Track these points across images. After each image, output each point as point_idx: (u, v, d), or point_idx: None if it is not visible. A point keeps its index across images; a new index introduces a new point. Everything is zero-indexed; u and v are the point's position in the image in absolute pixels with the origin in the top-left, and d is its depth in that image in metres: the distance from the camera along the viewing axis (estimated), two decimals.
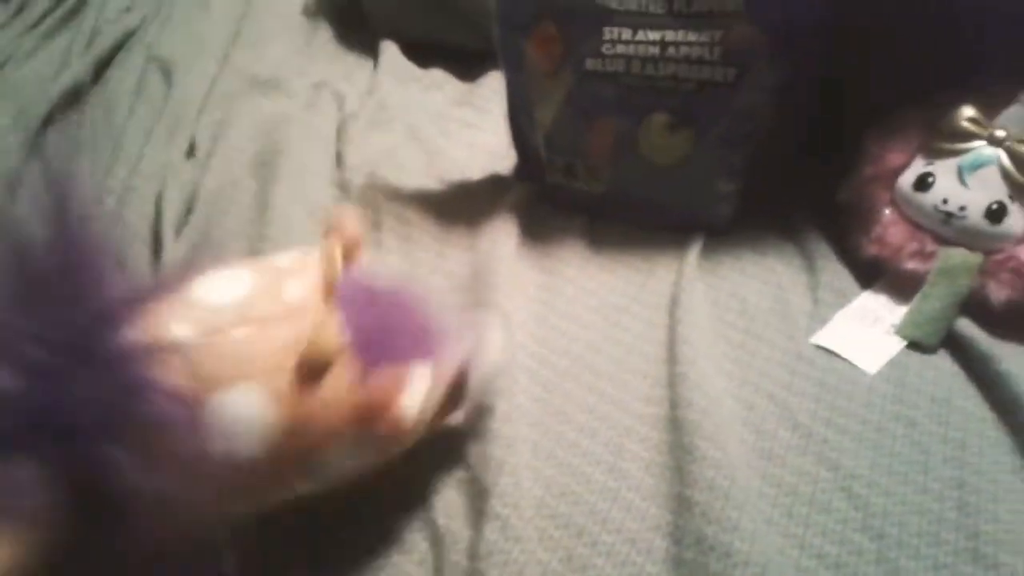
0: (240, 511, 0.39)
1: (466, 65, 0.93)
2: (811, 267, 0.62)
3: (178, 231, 0.68)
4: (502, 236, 0.65)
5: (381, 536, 0.45)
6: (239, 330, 0.37)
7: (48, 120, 0.83)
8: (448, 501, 0.46)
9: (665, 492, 0.46)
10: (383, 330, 0.41)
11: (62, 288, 0.33)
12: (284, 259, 0.42)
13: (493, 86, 0.88)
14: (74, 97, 0.88)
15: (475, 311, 0.57)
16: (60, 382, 0.31)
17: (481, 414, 0.49)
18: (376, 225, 0.68)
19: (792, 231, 0.65)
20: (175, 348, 0.34)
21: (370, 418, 0.38)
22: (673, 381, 0.52)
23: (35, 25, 1.04)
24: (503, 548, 0.42)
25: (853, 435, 0.48)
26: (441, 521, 0.45)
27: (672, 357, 0.53)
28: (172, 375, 0.33)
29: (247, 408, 0.36)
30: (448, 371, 0.44)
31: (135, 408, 0.33)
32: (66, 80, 0.88)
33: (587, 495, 0.46)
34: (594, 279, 0.62)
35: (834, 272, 0.61)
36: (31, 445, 0.31)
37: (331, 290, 0.40)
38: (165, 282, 0.37)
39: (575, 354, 0.55)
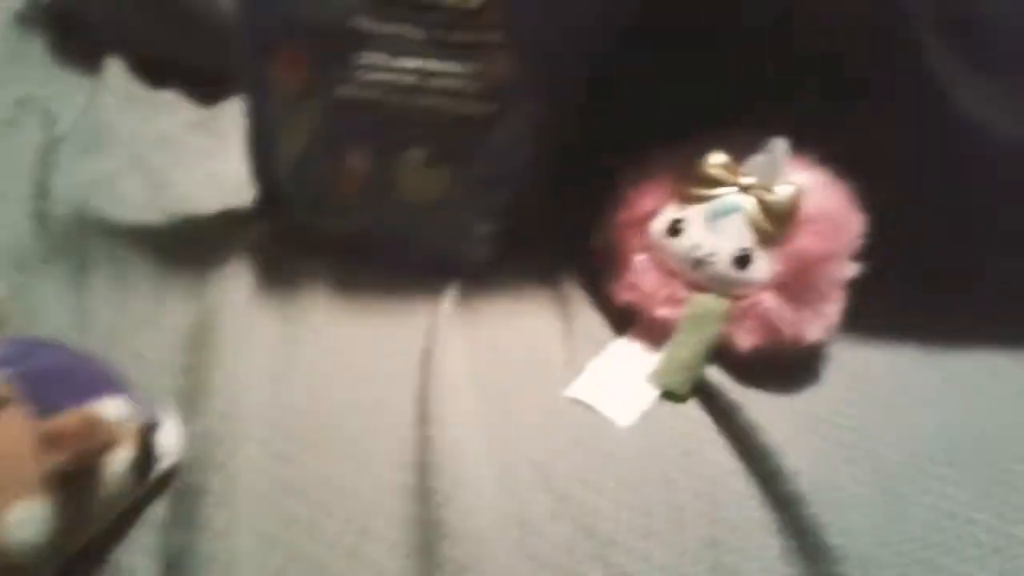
0: None
1: (206, 88, 0.84)
2: (567, 314, 0.60)
3: None
4: (235, 281, 0.57)
5: None
6: None
7: None
8: None
9: (418, 573, 0.41)
10: (49, 377, 0.39)
11: None
12: None
13: (236, 112, 0.79)
14: None
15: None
16: None
17: (189, 497, 0.41)
18: (81, 267, 0.58)
19: (550, 276, 0.63)
20: None
21: (62, 447, 0.35)
22: (423, 445, 0.47)
23: None
24: None
25: (609, 496, 0.46)
26: None
27: (423, 417, 0.48)
28: None
29: None
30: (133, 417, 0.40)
31: None
32: None
33: None
34: (342, 329, 0.56)
35: (589, 319, 0.59)
36: None
37: None
38: None
39: (317, 418, 0.49)
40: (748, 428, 0.49)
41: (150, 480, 0.42)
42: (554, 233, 0.65)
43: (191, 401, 0.48)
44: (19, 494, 0.34)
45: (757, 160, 0.56)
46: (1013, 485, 0.49)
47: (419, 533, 0.42)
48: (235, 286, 0.57)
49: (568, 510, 0.45)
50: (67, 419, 0.36)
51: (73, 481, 0.36)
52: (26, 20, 0.94)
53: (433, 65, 0.56)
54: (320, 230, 0.63)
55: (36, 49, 0.89)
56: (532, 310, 0.60)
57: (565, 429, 0.50)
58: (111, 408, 0.39)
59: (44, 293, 0.55)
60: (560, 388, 0.53)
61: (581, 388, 0.53)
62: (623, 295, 0.58)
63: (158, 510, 0.42)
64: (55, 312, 0.54)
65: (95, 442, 0.37)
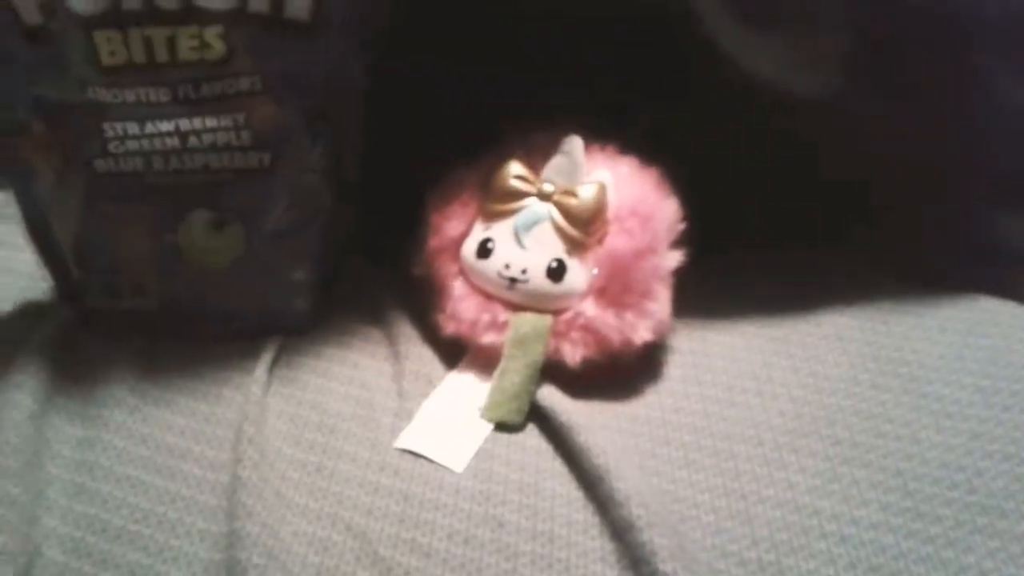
0: None
1: None
2: (397, 354, 0.56)
3: None
4: (26, 389, 0.52)
5: None
6: None
7: None
8: None
9: None
10: None
11: None
12: None
13: None
14: None
15: None
16: None
17: None
18: None
19: (378, 316, 0.60)
20: None
21: None
22: (232, 541, 0.43)
23: None
24: None
25: (438, 558, 0.42)
26: None
27: (232, 508, 0.44)
28: None
29: None
30: None
31: None
32: None
33: None
34: (149, 420, 0.52)
35: (419, 357, 0.56)
36: None
37: None
38: None
39: (115, 529, 0.44)
40: (581, 452, 0.47)
41: None
42: (377, 268, 0.62)
43: None
44: None
45: (555, 163, 0.54)
46: (860, 461, 0.47)
47: None
48: (25, 391, 0.51)
49: None
50: None
51: None
52: None
53: (190, 124, 0.51)
54: (120, 314, 0.58)
55: None
56: (360, 358, 0.56)
57: (393, 486, 0.47)
58: None
59: None
60: (391, 440, 0.50)
61: (411, 436, 0.50)
62: (446, 327, 0.55)
63: None
64: None
65: None
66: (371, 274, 0.62)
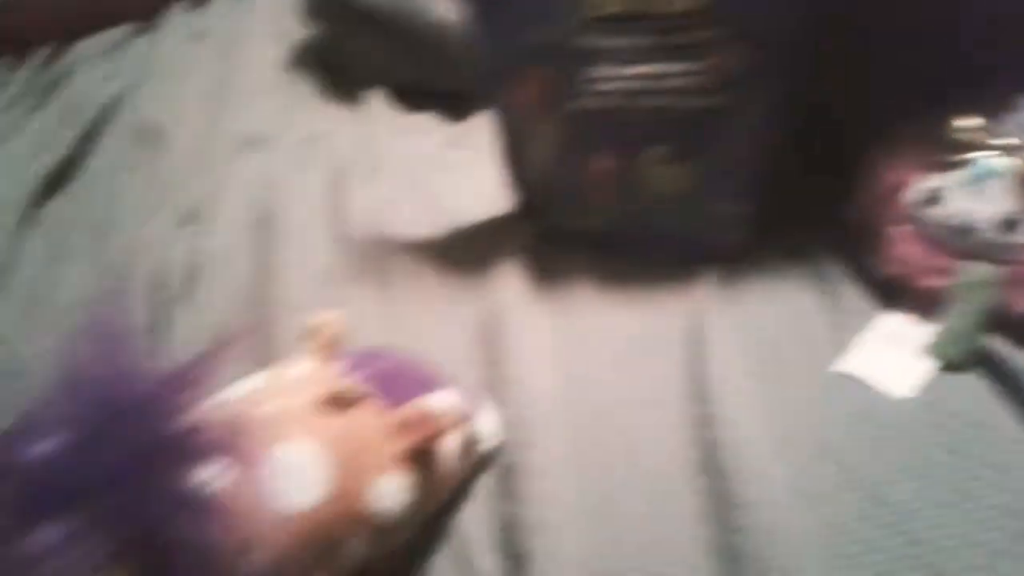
0: None
1: (453, 107, 0.92)
2: (828, 290, 0.61)
3: (179, 302, 0.66)
4: (511, 281, 0.64)
5: None
6: (265, 405, 0.41)
7: (35, 202, 0.82)
8: (489, 568, 0.45)
9: (711, 540, 0.45)
10: (393, 376, 0.46)
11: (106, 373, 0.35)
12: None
13: (484, 125, 0.87)
14: (59, 176, 0.87)
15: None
16: (113, 442, 0.32)
17: (510, 472, 0.48)
18: (385, 279, 0.67)
19: (805, 254, 0.65)
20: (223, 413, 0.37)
21: (409, 432, 0.42)
22: (705, 422, 0.50)
23: (7, 108, 1.03)
24: None
25: (896, 466, 0.47)
26: None
27: (700, 395, 0.52)
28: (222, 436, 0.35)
29: (298, 456, 0.39)
30: (460, 407, 0.47)
31: (188, 460, 0.34)
32: (47, 160, 0.86)
33: (630, 549, 0.45)
34: (609, 318, 0.61)
35: (852, 295, 0.60)
36: (83, 502, 0.31)
37: (330, 357, 0.45)
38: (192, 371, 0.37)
39: (600, 398, 0.54)
40: None
41: (476, 460, 0.49)
42: (806, 211, 0.66)
43: (494, 391, 0.55)
44: (380, 471, 0.42)
45: (1021, 119, 0.55)
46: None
47: (713, 503, 0.46)
48: (511, 285, 0.63)
49: (854, 481, 0.47)
50: (410, 410, 0.43)
51: (418, 460, 0.43)
52: (295, 67, 1.07)
53: (661, 68, 0.59)
54: (575, 230, 0.68)
55: (306, 91, 1.02)
56: (792, 288, 0.61)
57: (841, 403, 0.52)
58: (441, 400, 0.46)
59: (357, 303, 0.64)
60: (829, 364, 0.55)
61: (852, 362, 0.54)
62: (887, 268, 0.58)
63: (484, 486, 0.49)
64: (368, 319, 0.63)
65: (432, 428, 0.43)
66: (799, 218, 0.66)
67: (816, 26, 0.59)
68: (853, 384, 0.53)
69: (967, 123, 0.56)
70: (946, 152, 0.56)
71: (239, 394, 0.42)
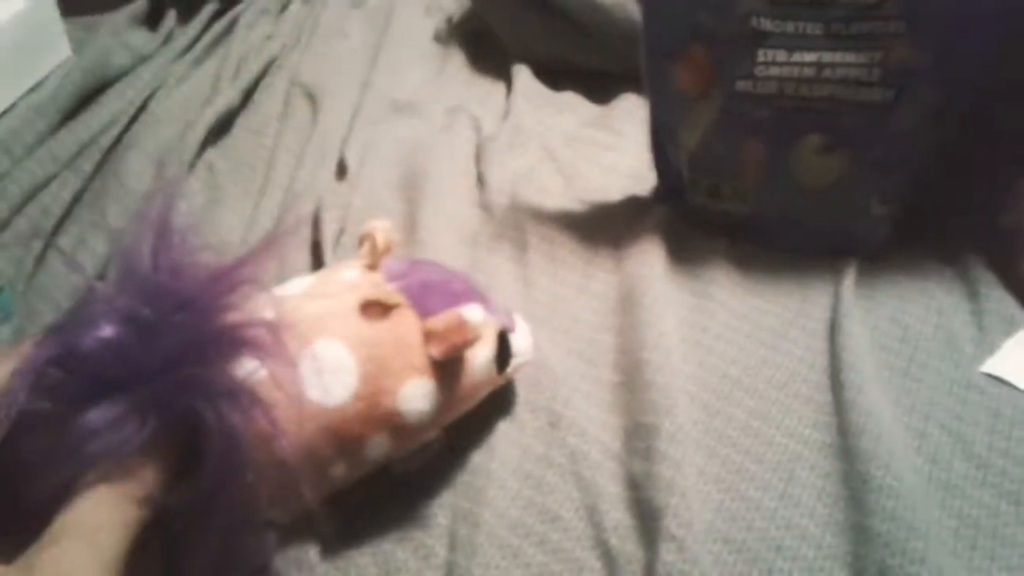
0: (339, 476, 0.43)
1: (597, 87, 0.94)
2: (974, 293, 0.60)
3: (333, 250, 0.71)
4: (649, 258, 0.65)
5: (558, 558, 0.45)
6: (312, 304, 0.44)
7: (205, 143, 0.88)
8: (617, 521, 0.47)
9: (841, 521, 0.45)
10: (431, 287, 0.48)
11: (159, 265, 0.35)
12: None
13: (626, 108, 0.88)
14: (226, 122, 0.93)
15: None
16: (164, 332, 0.33)
17: (643, 432, 0.50)
18: (522, 245, 0.69)
19: (950, 256, 0.64)
20: (272, 309, 0.37)
21: (440, 340, 0.44)
22: (840, 408, 0.51)
23: (183, 53, 1.11)
24: (681, 569, 0.42)
25: (996, 469, 0.47)
26: (613, 542, 0.45)
27: (837, 384, 0.53)
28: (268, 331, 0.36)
29: (335, 354, 0.42)
30: (494, 316, 0.49)
31: (234, 352, 0.35)
32: (219, 105, 0.93)
33: (758, 521, 0.46)
34: (746, 303, 0.62)
35: (1000, 299, 0.59)
36: (134, 387, 0.32)
37: (376, 265, 0.48)
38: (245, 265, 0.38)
39: (734, 377, 0.55)
40: None
41: (507, 373, 0.51)
42: (956, 214, 0.65)
43: (626, 355, 0.57)
44: (411, 374, 0.44)
45: None
46: None
47: (844, 485, 0.47)
48: (649, 261, 0.64)
49: (989, 477, 0.47)
50: (443, 318, 0.44)
51: (448, 367, 0.45)
52: (443, 40, 1.11)
53: (831, 57, 0.59)
54: (717, 214, 0.69)
55: (455, 64, 1.05)
56: (936, 289, 0.61)
57: (982, 402, 0.51)
58: (475, 312, 0.47)
59: (495, 266, 0.67)
60: (973, 364, 0.54)
61: (1000, 364, 0.54)
62: None
63: (618, 439, 0.51)
64: (504, 282, 0.65)
65: (464, 337, 0.44)
66: (948, 220, 0.65)
67: (999, 32, 0.58)
68: (999, 386, 0.52)
69: None
70: None
71: (290, 291, 0.46)
